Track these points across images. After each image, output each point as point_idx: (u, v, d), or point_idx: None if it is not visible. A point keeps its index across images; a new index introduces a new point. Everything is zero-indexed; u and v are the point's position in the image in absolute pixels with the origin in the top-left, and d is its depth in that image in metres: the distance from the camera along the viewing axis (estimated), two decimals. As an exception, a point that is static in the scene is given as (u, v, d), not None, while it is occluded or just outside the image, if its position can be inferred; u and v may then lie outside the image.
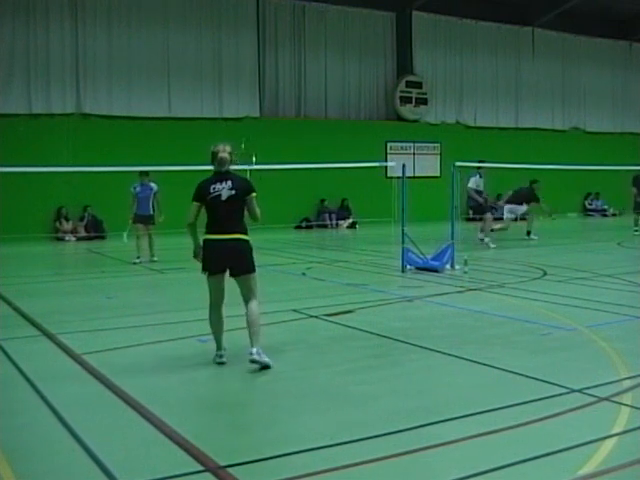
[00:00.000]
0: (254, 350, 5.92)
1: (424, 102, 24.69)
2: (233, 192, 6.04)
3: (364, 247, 16.69)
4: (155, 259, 13.60)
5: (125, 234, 13.67)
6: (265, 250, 15.57)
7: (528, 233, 17.30)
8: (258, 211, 6.27)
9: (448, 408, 4.90)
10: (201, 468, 3.95)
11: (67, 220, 19.25)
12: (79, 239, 18.90)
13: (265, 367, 5.89)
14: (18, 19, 18.86)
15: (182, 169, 17.14)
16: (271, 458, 4.08)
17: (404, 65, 24.52)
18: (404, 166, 12.77)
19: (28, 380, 5.68)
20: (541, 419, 4.63)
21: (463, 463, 3.97)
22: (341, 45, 23.56)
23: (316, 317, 8.19)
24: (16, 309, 8.80)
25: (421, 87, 24.63)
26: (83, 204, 19.37)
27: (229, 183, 6.06)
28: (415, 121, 24.74)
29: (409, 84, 24.42)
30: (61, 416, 4.80)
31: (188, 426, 4.58)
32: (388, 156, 23.20)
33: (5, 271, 11.83)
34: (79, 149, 18.76)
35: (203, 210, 6.16)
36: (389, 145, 24.01)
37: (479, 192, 16.87)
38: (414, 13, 24.47)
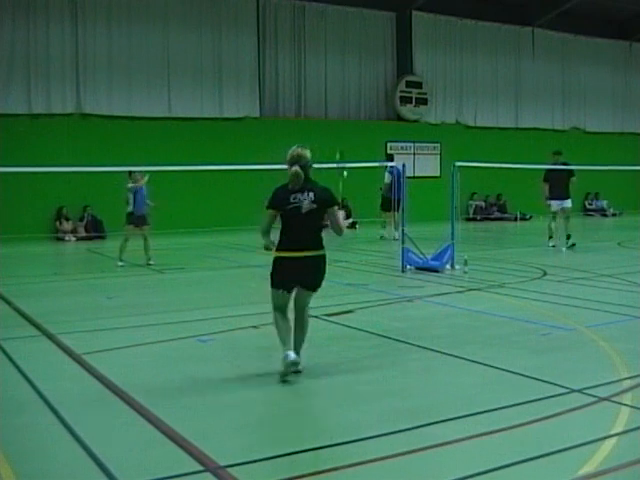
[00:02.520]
0: (296, 357, 5.64)
1: (424, 102, 24.69)
2: (315, 206, 5.60)
3: (364, 247, 16.68)
4: (151, 262, 13.19)
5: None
6: (265, 250, 15.57)
7: (568, 237, 15.06)
8: (343, 224, 5.95)
9: (448, 408, 4.90)
10: (201, 468, 3.95)
11: (67, 220, 19.25)
12: (79, 239, 18.90)
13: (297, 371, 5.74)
14: (18, 19, 18.86)
15: (182, 169, 17.23)
16: (271, 458, 4.08)
17: (404, 65, 24.52)
18: (404, 166, 12.78)
19: (28, 380, 5.68)
20: (541, 419, 4.63)
21: (463, 463, 3.97)
22: (341, 45, 23.55)
23: (316, 317, 8.17)
24: (16, 309, 8.80)
25: (421, 87, 24.63)
26: (83, 204, 19.36)
27: (311, 195, 5.61)
28: (415, 121, 24.74)
29: (409, 84, 24.42)
30: (61, 416, 4.80)
31: (188, 426, 4.58)
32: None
33: (5, 271, 11.83)
34: (79, 149, 18.74)
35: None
36: (389, 145, 24.01)
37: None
38: (414, 13, 24.47)
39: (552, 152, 15.72)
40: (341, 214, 5.99)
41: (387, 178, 17.79)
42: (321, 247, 5.71)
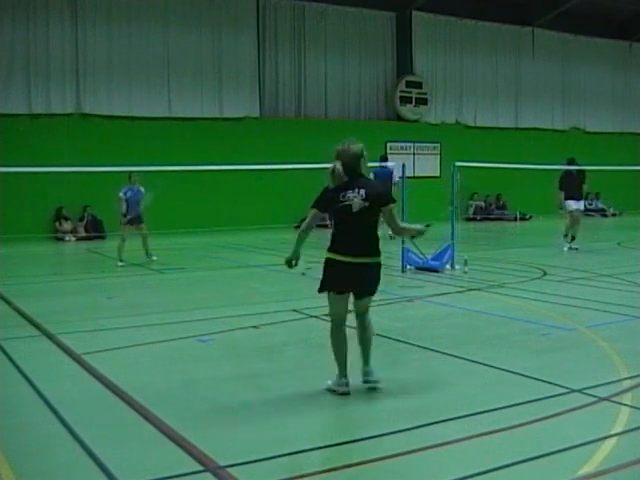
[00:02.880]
0: (370, 369, 5.34)
1: (424, 102, 24.69)
2: (367, 204, 5.12)
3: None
4: (154, 258, 13.48)
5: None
6: (265, 250, 15.58)
7: (572, 238, 15.06)
8: (401, 224, 5.43)
9: (448, 408, 4.90)
10: (201, 468, 3.95)
11: (67, 220, 19.25)
12: (79, 239, 18.90)
13: (376, 388, 5.29)
14: (18, 19, 18.85)
15: (182, 169, 17.22)
16: (271, 458, 4.08)
17: (404, 65, 24.52)
18: (404, 166, 12.77)
19: (28, 380, 5.68)
20: (541, 419, 4.63)
21: (463, 463, 3.97)
22: (341, 45, 23.55)
23: (316, 317, 8.18)
24: (16, 309, 8.80)
25: (421, 87, 24.62)
26: (83, 204, 19.36)
27: (362, 192, 5.13)
28: (415, 121, 24.74)
29: (409, 84, 24.42)
30: (61, 416, 4.80)
31: (188, 426, 4.58)
32: (388, 156, 23.16)
33: (5, 271, 11.83)
34: (79, 149, 18.74)
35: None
36: (389, 145, 24.00)
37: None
38: (414, 13, 24.46)
39: (566, 161, 15.83)
40: None
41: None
42: (377, 253, 5.27)
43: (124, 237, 13.21)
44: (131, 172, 13.35)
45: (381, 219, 5.28)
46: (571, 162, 15.74)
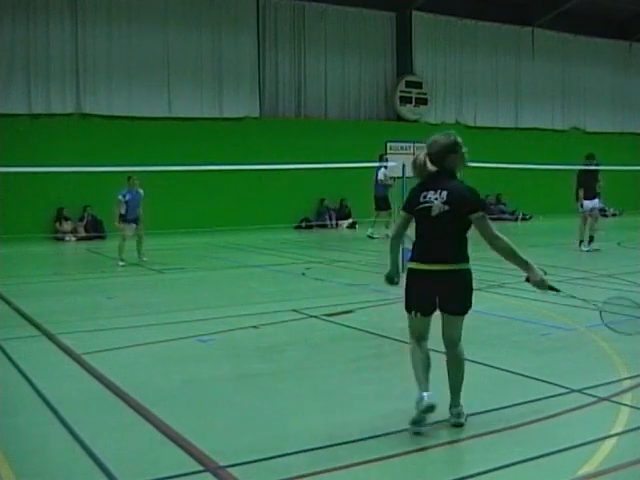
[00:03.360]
0: (433, 400, 4.50)
1: (424, 102, 24.70)
2: (447, 207, 4.42)
3: (364, 247, 16.68)
4: (145, 259, 13.37)
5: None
6: (265, 250, 15.58)
7: (591, 239, 14.79)
8: (494, 234, 4.43)
9: (448, 408, 4.89)
10: (201, 468, 3.95)
11: (67, 220, 19.25)
12: (79, 239, 18.90)
13: (459, 425, 4.55)
14: (18, 19, 18.86)
15: (182, 169, 17.23)
16: (271, 458, 4.08)
17: (404, 65, 24.52)
18: (404, 166, 12.77)
19: (28, 380, 5.67)
20: (541, 419, 4.63)
21: (463, 463, 3.97)
22: (341, 45, 23.55)
23: (316, 317, 8.18)
24: (16, 309, 8.80)
25: (421, 87, 24.63)
26: (83, 204, 19.36)
27: (443, 194, 4.44)
28: (415, 121, 24.74)
29: (409, 84, 24.42)
30: (61, 416, 4.80)
31: (188, 426, 4.58)
32: (388, 156, 23.17)
33: (5, 271, 11.83)
34: (79, 149, 18.75)
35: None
36: (389, 145, 24.00)
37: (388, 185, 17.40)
38: (414, 13, 24.47)
39: (586, 156, 15.60)
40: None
41: (381, 175, 18.01)
42: (460, 260, 4.50)
43: (125, 236, 13.21)
44: (130, 175, 13.31)
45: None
46: (590, 158, 15.33)
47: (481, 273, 11.52)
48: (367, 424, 4.60)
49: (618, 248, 15.65)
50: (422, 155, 4.62)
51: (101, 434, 4.52)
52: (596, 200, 14.97)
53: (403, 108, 24.42)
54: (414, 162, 4.66)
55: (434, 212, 4.46)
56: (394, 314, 8.54)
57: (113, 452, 4.18)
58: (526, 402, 5.00)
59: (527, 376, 5.63)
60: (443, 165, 4.55)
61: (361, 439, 4.34)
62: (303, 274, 11.76)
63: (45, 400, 5.16)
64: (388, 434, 4.42)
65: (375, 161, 16.94)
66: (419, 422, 4.43)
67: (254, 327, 7.64)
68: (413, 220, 4.67)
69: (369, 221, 19.40)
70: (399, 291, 10.38)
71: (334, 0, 23.11)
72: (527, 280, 4.42)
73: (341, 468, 3.92)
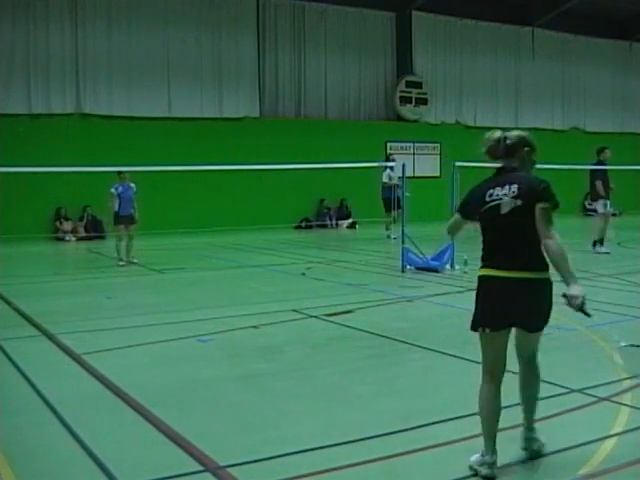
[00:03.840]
0: (533, 435, 4.12)
1: (424, 102, 24.70)
2: (519, 202, 3.83)
3: (364, 247, 16.69)
4: (135, 261, 13.22)
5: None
6: (265, 250, 15.58)
7: (595, 244, 14.58)
8: (549, 232, 3.79)
9: (448, 408, 4.90)
10: (201, 468, 3.95)
11: (67, 220, 19.25)
12: (79, 239, 18.90)
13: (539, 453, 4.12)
14: (18, 19, 18.86)
15: (182, 169, 17.23)
16: (271, 458, 4.08)
17: (404, 65, 24.52)
18: (404, 166, 12.77)
19: (28, 380, 5.67)
20: (541, 419, 4.62)
21: (463, 463, 3.97)
22: (341, 45, 23.55)
23: (316, 317, 8.18)
24: (16, 309, 8.80)
25: (421, 87, 24.63)
26: (83, 204, 19.36)
27: (514, 188, 3.86)
28: (415, 121, 24.74)
29: (409, 84, 24.42)
30: (61, 416, 4.80)
31: (188, 426, 4.58)
32: (389, 156, 23.19)
33: (5, 271, 11.83)
34: (79, 149, 18.75)
35: None
36: (389, 145, 24.00)
37: (395, 185, 17.35)
38: (414, 13, 24.47)
39: (597, 150, 15.27)
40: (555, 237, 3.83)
41: (385, 177, 17.99)
42: (539, 267, 3.87)
43: (120, 236, 13.21)
44: (120, 170, 13.28)
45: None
46: (600, 150, 15.02)
47: (481, 273, 11.56)
48: (367, 424, 4.60)
49: (618, 248, 15.64)
50: (500, 133, 4.13)
51: (101, 434, 4.52)
52: (607, 201, 14.74)
53: (403, 108, 24.42)
54: (493, 139, 4.09)
55: (504, 209, 3.87)
56: (394, 314, 8.56)
57: (113, 452, 4.18)
58: (526, 402, 4.99)
59: (527, 376, 5.62)
60: (513, 158, 4.01)
61: (360, 439, 4.34)
62: (303, 274, 11.76)
63: (45, 400, 5.16)
64: (388, 434, 4.43)
65: (375, 161, 16.91)
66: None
67: (254, 327, 7.64)
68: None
69: (369, 221, 19.41)
70: (399, 291, 10.38)
71: (334, 0, 23.11)
72: (564, 296, 3.81)
73: (341, 468, 3.92)
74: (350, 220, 22.55)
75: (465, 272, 11.51)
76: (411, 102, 24.46)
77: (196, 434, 4.42)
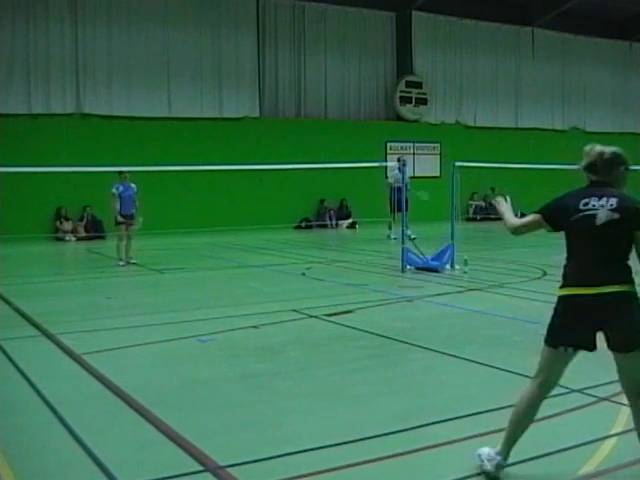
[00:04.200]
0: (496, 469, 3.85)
1: (424, 102, 24.70)
2: (616, 216, 3.68)
3: (364, 247, 16.69)
4: (134, 261, 13.20)
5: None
6: (265, 250, 15.58)
7: None
8: None
9: (448, 408, 4.90)
10: (201, 468, 3.95)
11: (67, 220, 19.25)
12: (79, 239, 18.90)
13: None
14: (18, 19, 18.86)
15: (182, 169, 17.23)
16: (271, 458, 4.08)
17: (404, 65, 24.52)
18: (404, 166, 12.77)
19: (28, 380, 5.67)
20: (541, 419, 4.61)
21: (463, 463, 3.97)
22: (341, 45, 23.56)
23: (316, 317, 8.18)
24: (16, 309, 8.80)
25: (421, 87, 24.63)
26: (83, 204, 19.36)
27: (612, 202, 3.70)
28: (415, 121, 24.74)
29: (409, 84, 24.42)
30: (61, 416, 4.80)
31: (188, 426, 4.58)
32: (388, 156, 23.19)
33: (5, 271, 11.83)
34: (79, 149, 18.75)
35: None
36: (389, 145, 24.01)
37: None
38: (414, 13, 24.47)
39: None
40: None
41: (391, 178, 17.74)
42: (631, 281, 3.71)
43: (121, 236, 13.21)
44: (121, 170, 13.28)
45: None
46: None
47: (481, 273, 11.56)
48: (366, 424, 4.60)
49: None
50: (606, 150, 3.85)
51: (101, 434, 4.51)
52: None
53: (403, 108, 24.42)
54: (600, 154, 3.84)
55: (599, 221, 3.70)
56: (394, 314, 8.56)
57: (113, 452, 4.18)
58: (526, 402, 4.99)
59: (527, 376, 5.59)
60: (609, 176, 3.83)
61: (360, 439, 4.34)
62: (303, 274, 11.76)
63: (45, 400, 5.16)
64: (388, 434, 4.43)
65: (376, 161, 16.91)
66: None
67: (254, 327, 7.64)
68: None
69: (369, 221, 19.40)
70: (399, 291, 10.38)
71: (334, 0, 23.10)
72: None
73: (341, 468, 3.92)
74: (350, 220, 22.55)
75: (465, 272, 11.52)
76: (411, 102, 24.46)
77: (196, 434, 4.42)
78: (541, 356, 3.93)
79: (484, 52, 25.95)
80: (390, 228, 17.72)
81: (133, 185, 13.33)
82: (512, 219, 4.11)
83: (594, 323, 3.72)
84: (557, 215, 3.87)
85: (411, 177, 18.66)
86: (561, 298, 3.82)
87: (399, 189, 17.34)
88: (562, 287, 3.83)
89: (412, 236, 16.47)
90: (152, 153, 18.64)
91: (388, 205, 17.97)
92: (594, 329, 3.74)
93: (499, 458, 3.83)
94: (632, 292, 3.71)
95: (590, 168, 3.86)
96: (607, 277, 3.68)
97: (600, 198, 3.74)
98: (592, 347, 3.82)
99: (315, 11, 23.07)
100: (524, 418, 3.87)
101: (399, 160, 18.27)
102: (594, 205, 3.74)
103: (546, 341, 3.89)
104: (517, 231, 4.08)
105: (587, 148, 3.91)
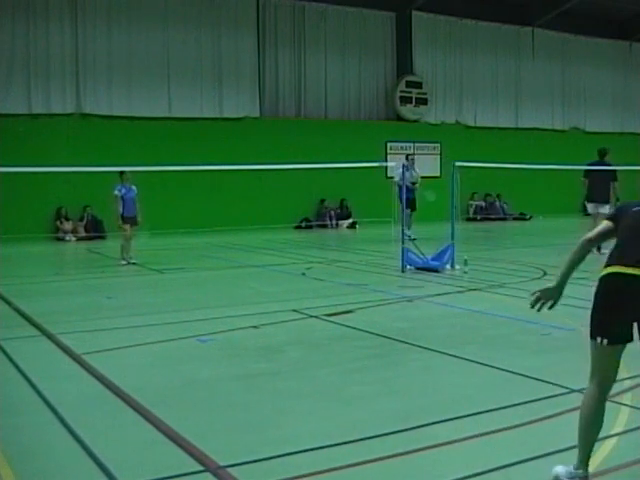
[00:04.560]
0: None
1: (424, 102, 24.70)
2: None
3: (364, 247, 16.68)
4: (134, 261, 13.22)
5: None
6: (265, 250, 15.58)
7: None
8: None
9: (448, 408, 4.90)
10: (201, 468, 3.95)
11: (67, 220, 19.26)
12: (79, 239, 18.90)
13: None
14: (18, 19, 18.86)
15: (182, 169, 17.23)
16: (271, 458, 4.08)
17: (404, 65, 24.52)
18: (404, 166, 12.78)
19: (28, 380, 5.67)
20: (541, 419, 4.63)
21: (463, 463, 3.97)
22: (341, 45, 23.56)
23: (316, 317, 8.18)
24: (16, 309, 8.80)
25: (421, 87, 24.64)
26: (83, 204, 19.36)
27: None
28: (415, 121, 24.75)
29: (409, 84, 24.43)
30: (61, 416, 4.80)
31: (188, 426, 4.58)
32: (388, 156, 23.20)
33: (5, 271, 11.83)
34: (79, 149, 18.75)
35: None
36: (389, 145, 24.01)
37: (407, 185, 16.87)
38: (414, 13, 24.47)
39: (597, 150, 15.15)
40: None
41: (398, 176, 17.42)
42: None
43: (127, 236, 13.22)
44: (123, 170, 13.30)
45: None
46: (601, 152, 14.68)
47: (481, 273, 11.56)
48: (367, 424, 4.60)
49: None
50: None
51: (101, 434, 4.51)
52: (606, 206, 14.50)
53: (403, 108, 24.42)
54: None
55: None
56: (394, 314, 8.56)
57: (113, 452, 4.18)
58: (526, 402, 4.99)
59: (527, 376, 5.63)
60: None
61: (360, 439, 4.34)
62: (303, 274, 11.76)
63: (45, 400, 5.16)
64: (388, 434, 4.42)
65: (376, 161, 16.88)
66: None
67: (254, 327, 7.64)
68: None
69: (369, 221, 19.38)
70: (399, 291, 10.38)
71: (334, 0, 23.11)
72: None
73: (341, 468, 3.92)
74: (350, 220, 22.55)
75: (465, 272, 11.52)
76: (411, 102, 24.46)
77: (196, 434, 4.42)
78: (591, 354, 3.85)
79: (484, 52, 25.95)
80: (409, 228, 17.25)
81: (134, 187, 13.35)
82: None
83: (636, 308, 3.53)
84: (620, 214, 3.85)
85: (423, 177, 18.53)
86: (603, 280, 3.66)
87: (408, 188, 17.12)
88: (608, 266, 3.66)
89: (412, 237, 16.34)
90: (152, 153, 18.64)
91: (399, 204, 17.44)
92: (633, 316, 3.57)
93: (580, 472, 3.64)
94: None
95: None
96: None
97: None
98: (627, 339, 3.69)
99: (315, 11, 23.08)
100: (591, 425, 3.68)
101: (408, 158, 18.09)
102: None
103: (593, 334, 3.77)
104: (591, 238, 3.98)
105: None
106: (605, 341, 3.69)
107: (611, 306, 3.61)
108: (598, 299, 3.69)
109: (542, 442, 4.24)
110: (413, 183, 17.36)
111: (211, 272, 12.61)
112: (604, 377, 3.81)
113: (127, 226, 13.21)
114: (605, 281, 3.62)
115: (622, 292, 3.53)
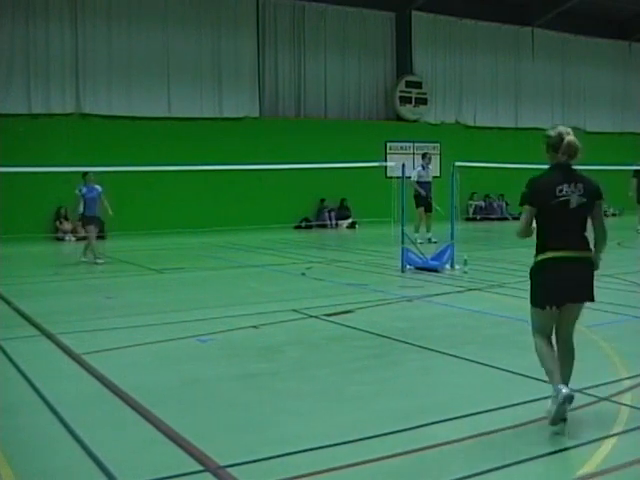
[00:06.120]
0: (570, 390, 4.53)
1: (424, 102, 24.69)
2: (584, 200, 4.57)
3: (364, 247, 16.68)
4: (84, 259, 13.46)
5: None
6: (265, 250, 15.58)
7: None
8: (604, 221, 4.76)
9: (448, 408, 4.90)
10: (201, 468, 3.95)
11: (67, 220, 19.25)
12: (79, 239, 18.88)
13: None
14: (18, 19, 18.85)
15: (182, 169, 17.22)
16: (271, 458, 4.08)
17: (404, 65, 24.52)
18: (404, 166, 12.77)
19: (28, 380, 5.67)
20: (541, 419, 4.62)
21: (463, 463, 3.97)
22: (341, 45, 23.55)
23: (316, 317, 8.19)
24: (16, 309, 8.80)
25: (421, 87, 24.63)
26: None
27: (580, 186, 4.58)
28: (415, 121, 24.74)
29: (409, 84, 24.42)
30: (61, 416, 4.80)
31: (188, 426, 4.58)
32: (388, 156, 23.20)
33: (5, 271, 11.83)
34: (79, 149, 18.75)
35: None
36: (389, 145, 24.01)
37: (420, 184, 16.68)
38: (414, 13, 24.47)
39: None
40: None
41: (415, 176, 16.90)
42: (590, 248, 4.66)
43: (90, 236, 13.32)
44: (86, 171, 13.39)
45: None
46: None
47: (481, 273, 11.56)
48: (366, 424, 4.60)
49: (618, 248, 15.64)
50: (575, 139, 4.81)
51: (101, 434, 4.51)
52: None
53: (403, 108, 24.42)
54: (575, 146, 4.76)
55: (573, 204, 4.54)
56: (394, 314, 8.56)
57: (113, 452, 4.18)
58: (526, 402, 5.00)
59: (527, 376, 5.63)
60: (574, 159, 4.76)
61: (360, 439, 4.34)
62: (303, 274, 11.76)
63: (45, 400, 5.16)
64: (387, 434, 4.43)
65: (376, 161, 16.89)
66: (560, 414, 4.41)
67: (254, 327, 7.64)
68: None
69: (369, 221, 19.36)
70: (399, 291, 10.38)
71: (334, 0, 23.10)
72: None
73: (341, 468, 3.92)
74: (350, 220, 22.55)
75: (465, 272, 11.52)
76: (411, 102, 24.46)
77: (196, 434, 4.42)
78: (531, 318, 4.74)
79: (484, 52, 25.95)
80: (428, 230, 16.73)
81: (98, 186, 13.40)
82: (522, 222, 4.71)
83: (569, 285, 4.57)
84: (540, 200, 4.57)
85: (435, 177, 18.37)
86: (541, 263, 4.60)
87: (422, 185, 16.86)
88: (540, 254, 4.60)
89: (419, 240, 16.10)
90: (152, 153, 18.63)
91: (416, 204, 16.83)
92: (570, 289, 4.58)
93: (558, 386, 4.47)
94: (591, 257, 4.63)
95: (564, 154, 4.72)
96: (581, 245, 4.58)
97: (570, 184, 4.58)
98: (566, 302, 4.63)
99: (315, 11, 23.07)
100: (553, 359, 4.64)
101: (424, 157, 17.74)
102: (567, 192, 4.55)
103: (535, 303, 4.66)
104: (525, 234, 4.70)
105: (554, 132, 4.92)
106: (549, 308, 4.63)
107: (555, 281, 4.59)
108: (542, 277, 4.64)
109: (542, 442, 4.24)
110: (428, 182, 17.13)
111: (211, 272, 12.61)
112: (545, 331, 4.71)
113: (91, 227, 13.27)
114: (548, 263, 4.60)
115: (563, 270, 4.57)
